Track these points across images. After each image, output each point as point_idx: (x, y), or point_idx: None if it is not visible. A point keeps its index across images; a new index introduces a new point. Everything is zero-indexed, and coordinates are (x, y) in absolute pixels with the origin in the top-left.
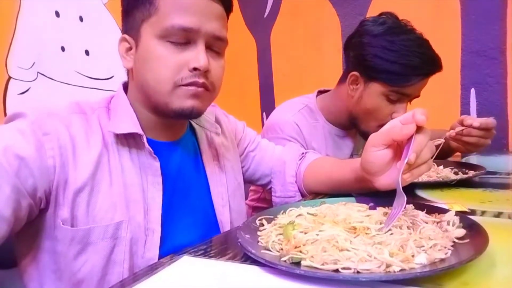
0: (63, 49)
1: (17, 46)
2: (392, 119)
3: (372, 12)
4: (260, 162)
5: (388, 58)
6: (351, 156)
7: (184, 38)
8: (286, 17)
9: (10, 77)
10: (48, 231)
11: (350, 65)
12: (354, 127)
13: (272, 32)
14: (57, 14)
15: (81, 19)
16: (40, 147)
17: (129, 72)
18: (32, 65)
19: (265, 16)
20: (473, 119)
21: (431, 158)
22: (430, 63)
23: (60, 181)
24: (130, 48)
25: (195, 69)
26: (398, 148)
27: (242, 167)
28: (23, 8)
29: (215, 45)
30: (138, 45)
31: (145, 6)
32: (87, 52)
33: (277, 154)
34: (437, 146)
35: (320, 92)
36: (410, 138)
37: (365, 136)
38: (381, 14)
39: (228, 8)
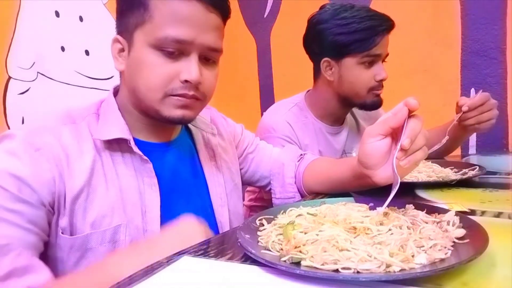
0: (63, 49)
1: (17, 46)
2: (376, 81)
3: None
4: (259, 163)
5: (348, 31)
6: (343, 153)
7: (177, 49)
8: (286, 17)
9: (10, 77)
10: (50, 239)
11: (318, 57)
12: (347, 110)
13: (272, 32)
14: (57, 14)
15: (81, 19)
16: (35, 163)
17: (121, 74)
18: (32, 65)
19: (265, 16)
20: (466, 100)
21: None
22: (384, 20)
23: (60, 191)
24: (123, 50)
25: (186, 81)
26: (394, 142)
27: (241, 169)
28: (23, 8)
29: (209, 55)
30: (130, 50)
31: (139, 10)
32: (87, 52)
33: (275, 155)
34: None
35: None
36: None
37: (366, 107)
38: (322, 6)
39: (225, 16)
